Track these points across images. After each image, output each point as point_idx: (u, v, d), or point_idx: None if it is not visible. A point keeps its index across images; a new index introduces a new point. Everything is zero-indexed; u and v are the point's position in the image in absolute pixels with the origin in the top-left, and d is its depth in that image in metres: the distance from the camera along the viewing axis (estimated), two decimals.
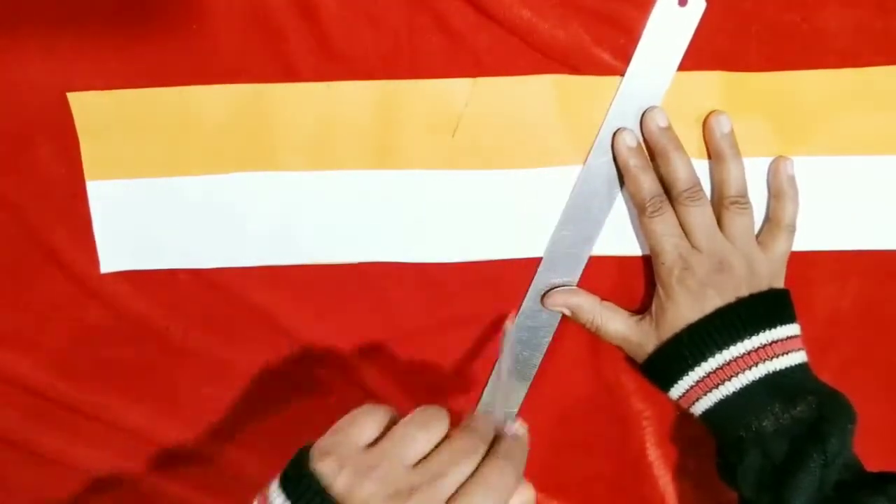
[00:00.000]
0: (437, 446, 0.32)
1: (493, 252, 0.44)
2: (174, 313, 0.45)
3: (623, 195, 0.43)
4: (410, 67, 0.41)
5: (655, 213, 0.40)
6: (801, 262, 0.43)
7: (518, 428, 0.33)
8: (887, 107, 0.42)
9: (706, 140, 0.42)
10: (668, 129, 0.41)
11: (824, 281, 0.44)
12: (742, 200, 0.41)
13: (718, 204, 0.41)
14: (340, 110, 0.42)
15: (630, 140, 0.41)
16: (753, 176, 0.42)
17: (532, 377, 0.45)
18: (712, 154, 0.42)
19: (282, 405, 0.46)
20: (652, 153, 0.42)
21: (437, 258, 0.44)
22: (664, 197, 0.41)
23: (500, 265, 0.44)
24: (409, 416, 0.32)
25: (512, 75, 0.41)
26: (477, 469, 0.31)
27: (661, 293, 0.41)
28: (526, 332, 0.45)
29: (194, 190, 0.43)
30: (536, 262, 0.44)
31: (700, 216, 0.40)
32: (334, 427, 0.33)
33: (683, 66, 0.41)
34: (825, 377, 0.40)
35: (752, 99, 0.42)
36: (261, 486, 0.43)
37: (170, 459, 0.47)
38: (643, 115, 0.41)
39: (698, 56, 0.41)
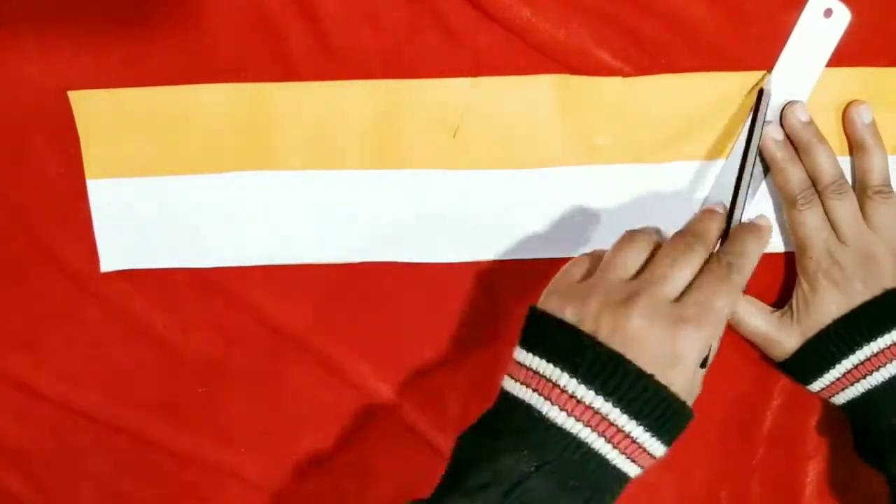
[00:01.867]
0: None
1: (494, 252, 0.44)
2: (173, 313, 0.45)
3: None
4: (410, 67, 0.41)
5: (805, 206, 0.40)
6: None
7: (761, 220, 0.36)
8: None
9: (846, 131, 0.42)
10: (811, 123, 0.41)
11: None
12: (886, 189, 0.41)
13: (861, 194, 0.41)
14: (341, 110, 0.42)
15: (776, 133, 0.41)
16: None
17: None
18: (854, 144, 0.42)
19: (280, 405, 0.46)
20: (795, 149, 0.41)
21: (437, 258, 0.44)
22: (813, 189, 0.40)
23: (500, 265, 0.44)
24: (613, 244, 0.34)
25: (511, 75, 0.41)
26: (702, 268, 0.33)
27: (804, 288, 0.41)
28: None
29: (194, 189, 0.43)
30: (537, 262, 0.44)
31: (846, 209, 0.40)
32: (552, 281, 0.35)
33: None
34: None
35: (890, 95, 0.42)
36: (259, 487, 0.44)
37: (169, 459, 0.47)
38: (783, 110, 0.41)
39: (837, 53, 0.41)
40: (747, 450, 0.45)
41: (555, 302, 0.33)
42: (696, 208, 0.43)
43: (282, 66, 0.41)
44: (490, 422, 0.34)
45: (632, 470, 0.32)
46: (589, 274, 0.34)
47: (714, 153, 0.43)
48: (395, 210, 0.43)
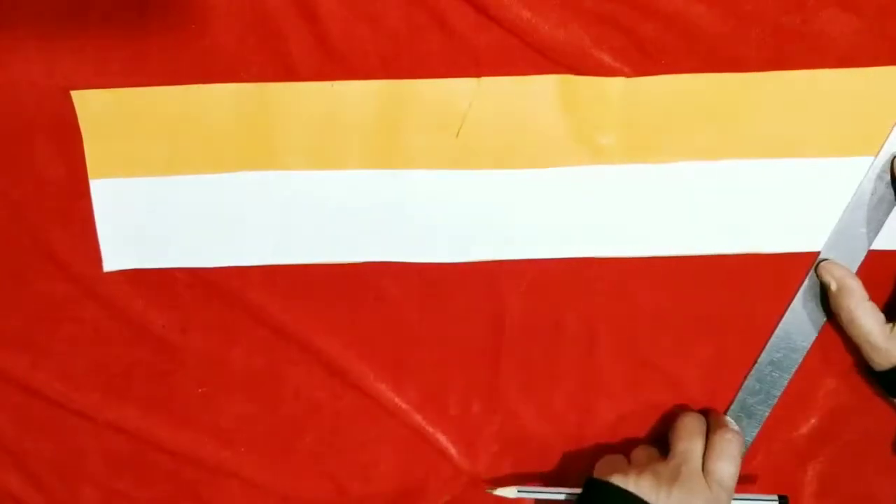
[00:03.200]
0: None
1: (494, 252, 0.44)
2: (173, 312, 0.45)
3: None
4: (410, 67, 0.41)
5: None
6: (797, 264, 0.43)
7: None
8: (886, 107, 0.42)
9: None
10: None
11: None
12: None
13: None
14: (343, 109, 0.42)
15: None
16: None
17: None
18: None
19: (280, 405, 0.46)
20: None
21: (437, 258, 0.44)
22: None
23: (500, 265, 0.44)
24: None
25: (512, 76, 0.41)
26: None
27: None
28: (780, 353, 0.44)
29: (197, 188, 0.43)
30: (538, 262, 0.44)
31: None
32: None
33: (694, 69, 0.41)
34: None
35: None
36: (259, 486, 0.44)
37: (169, 459, 0.47)
38: None
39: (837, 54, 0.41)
40: (748, 450, 0.45)
41: (618, 477, 0.40)
42: (698, 208, 0.43)
43: (282, 66, 0.41)
44: None
45: None
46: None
47: (718, 153, 0.43)
48: (396, 210, 0.43)
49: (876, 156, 0.42)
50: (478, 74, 0.41)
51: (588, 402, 0.46)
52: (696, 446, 0.41)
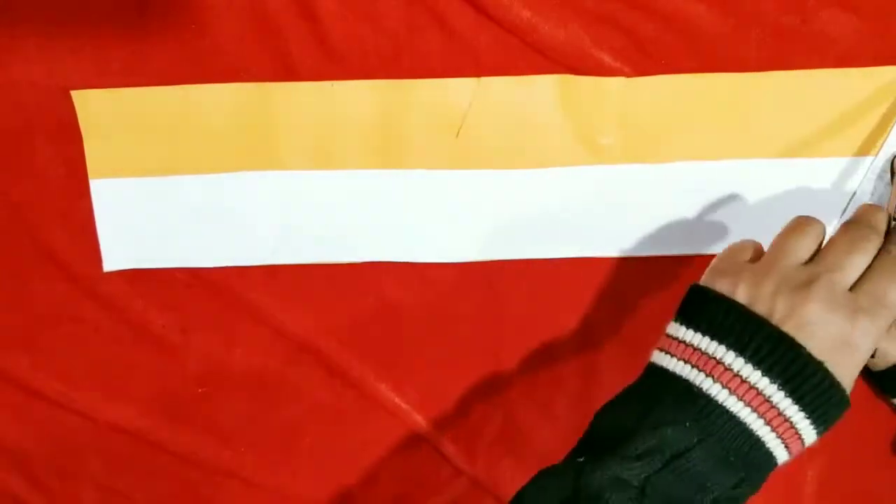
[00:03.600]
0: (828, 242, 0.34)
1: (495, 252, 0.44)
2: (173, 312, 0.45)
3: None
4: (410, 68, 0.41)
5: None
6: None
7: None
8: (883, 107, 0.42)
9: None
10: None
11: None
12: None
13: None
14: (344, 109, 0.42)
15: None
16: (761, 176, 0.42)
17: None
18: None
19: (279, 405, 0.46)
20: None
21: (438, 258, 0.44)
22: None
23: (500, 265, 0.44)
24: (783, 229, 0.34)
25: (512, 76, 0.41)
26: (875, 259, 0.32)
27: None
28: None
29: (197, 188, 0.43)
30: (538, 262, 0.44)
31: None
32: (715, 261, 0.35)
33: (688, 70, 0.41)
34: None
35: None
36: (259, 487, 0.44)
37: (169, 459, 0.47)
38: None
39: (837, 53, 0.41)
40: None
41: (725, 281, 0.33)
42: (697, 208, 0.43)
43: (282, 66, 0.41)
44: (642, 395, 0.34)
45: (782, 455, 0.32)
46: (756, 257, 0.34)
47: (718, 153, 0.43)
48: (396, 210, 0.43)
49: (876, 156, 0.42)
50: (478, 74, 0.41)
51: (588, 402, 0.46)
52: (860, 259, 0.33)
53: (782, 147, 0.43)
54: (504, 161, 0.43)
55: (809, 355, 0.31)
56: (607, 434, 0.33)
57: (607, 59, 0.41)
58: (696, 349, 0.32)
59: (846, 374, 0.31)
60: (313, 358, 0.46)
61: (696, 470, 0.31)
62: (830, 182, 0.43)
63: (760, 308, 0.32)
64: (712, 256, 0.43)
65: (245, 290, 0.45)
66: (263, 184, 0.43)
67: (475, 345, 0.45)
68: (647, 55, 0.41)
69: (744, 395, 0.31)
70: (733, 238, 0.43)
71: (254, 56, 0.41)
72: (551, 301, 0.45)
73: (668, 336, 0.34)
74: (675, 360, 0.33)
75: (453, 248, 0.44)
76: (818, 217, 0.34)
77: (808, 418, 0.31)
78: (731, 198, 0.43)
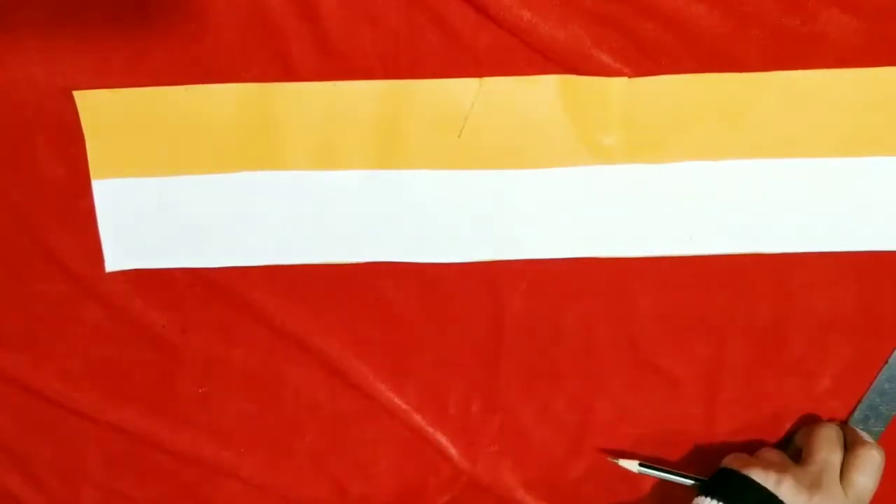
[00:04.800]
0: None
1: (494, 252, 0.44)
2: (173, 312, 0.45)
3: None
4: (410, 68, 0.41)
5: None
6: (797, 264, 0.43)
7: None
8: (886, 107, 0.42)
9: None
10: None
11: (823, 284, 0.44)
12: None
13: None
14: (346, 109, 0.42)
15: None
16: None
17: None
18: None
19: (280, 405, 0.46)
20: None
21: (437, 258, 0.44)
22: None
23: (500, 265, 0.44)
24: (822, 439, 0.42)
25: (512, 76, 0.41)
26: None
27: None
28: (888, 383, 0.45)
29: (200, 189, 0.43)
30: (538, 262, 0.44)
31: None
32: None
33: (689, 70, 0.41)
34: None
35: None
36: (259, 487, 0.43)
37: (168, 459, 0.47)
38: None
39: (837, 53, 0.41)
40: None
41: (759, 471, 0.40)
42: (698, 208, 0.43)
43: (282, 66, 0.41)
44: None
45: None
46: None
47: (719, 153, 0.43)
48: (397, 210, 0.43)
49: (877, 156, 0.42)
50: (478, 75, 0.41)
51: (588, 402, 0.46)
52: (837, 457, 0.42)
53: (782, 147, 0.42)
54: (506, 161, 0.43)
55: None
56: None
57: (608, 59, 0.41)
58: None
59: None
60: (313, 358, 0.46)
61: None
62: (831, 182, 0.43)
63: None
64: (712, 256, 0.44)
65: (245, 290, 0.45)
66: (264, 184, 0.43)
67: (475, 345, 0.45)
68: (647, 55, 0.41)
69: None
70: (733, 238, 0.43)
71: (254, 56, 0.41)
72: (551, 301, 0.45)
73: None
74: None
75: (453, 248, 0.44)
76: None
77: None
78: (732, 198, 0.43)
